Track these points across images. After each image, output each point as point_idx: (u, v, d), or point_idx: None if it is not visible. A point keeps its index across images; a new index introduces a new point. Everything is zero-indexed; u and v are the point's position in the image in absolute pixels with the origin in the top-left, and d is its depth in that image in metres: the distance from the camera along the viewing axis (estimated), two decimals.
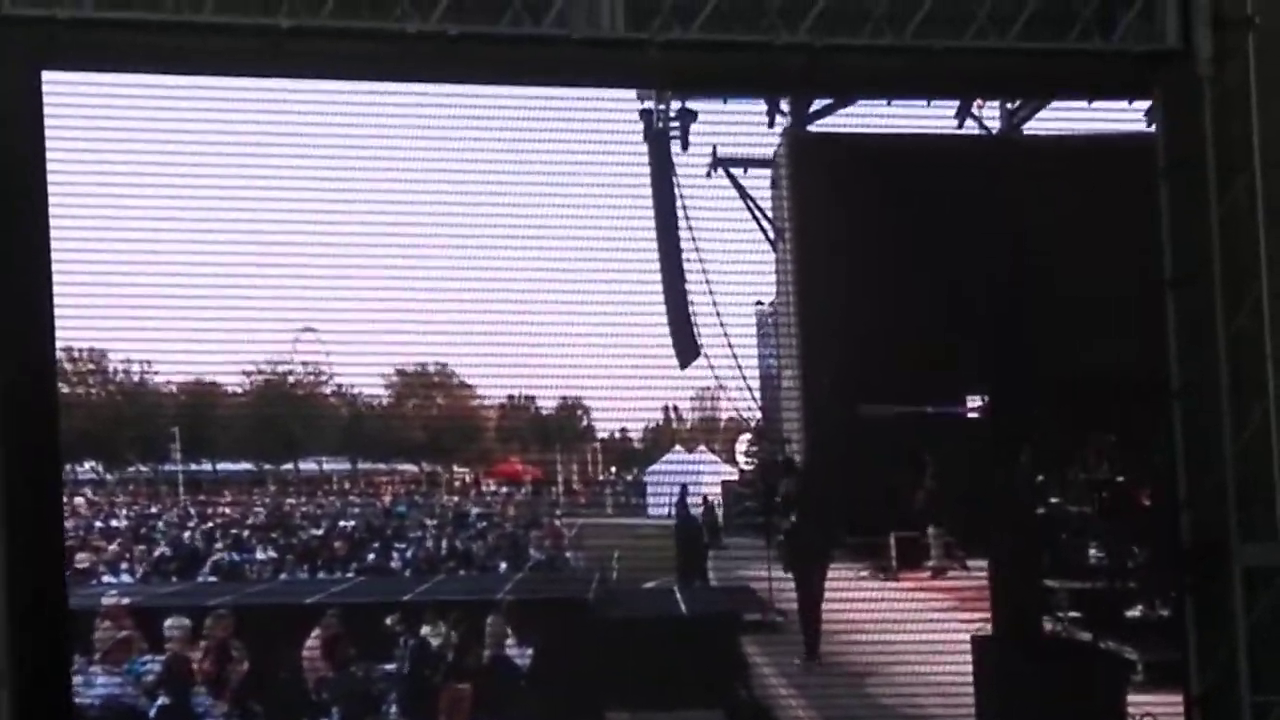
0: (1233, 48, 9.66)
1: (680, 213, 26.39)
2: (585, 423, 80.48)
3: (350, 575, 25.38)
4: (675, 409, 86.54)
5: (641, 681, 15.71)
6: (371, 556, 28.78)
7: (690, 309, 28.49)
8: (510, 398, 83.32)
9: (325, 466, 77.43)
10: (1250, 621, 7.54)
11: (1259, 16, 9.42)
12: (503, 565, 27.45)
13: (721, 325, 30.30)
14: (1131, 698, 10.31)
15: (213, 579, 26.13)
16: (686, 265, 28.50)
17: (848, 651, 14.28)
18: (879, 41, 10.54)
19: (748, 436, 35.22)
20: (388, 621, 16.29)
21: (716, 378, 30.60)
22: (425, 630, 16.15)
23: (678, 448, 53.13)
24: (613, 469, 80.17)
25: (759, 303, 35.96)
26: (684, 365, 27.76)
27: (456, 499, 59.29)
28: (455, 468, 77.43)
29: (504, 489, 66.12)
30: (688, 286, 28.62)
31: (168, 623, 15.10)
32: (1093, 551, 15.81)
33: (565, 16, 10.10)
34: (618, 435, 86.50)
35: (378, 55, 10.42)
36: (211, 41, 9.97)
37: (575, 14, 10.15)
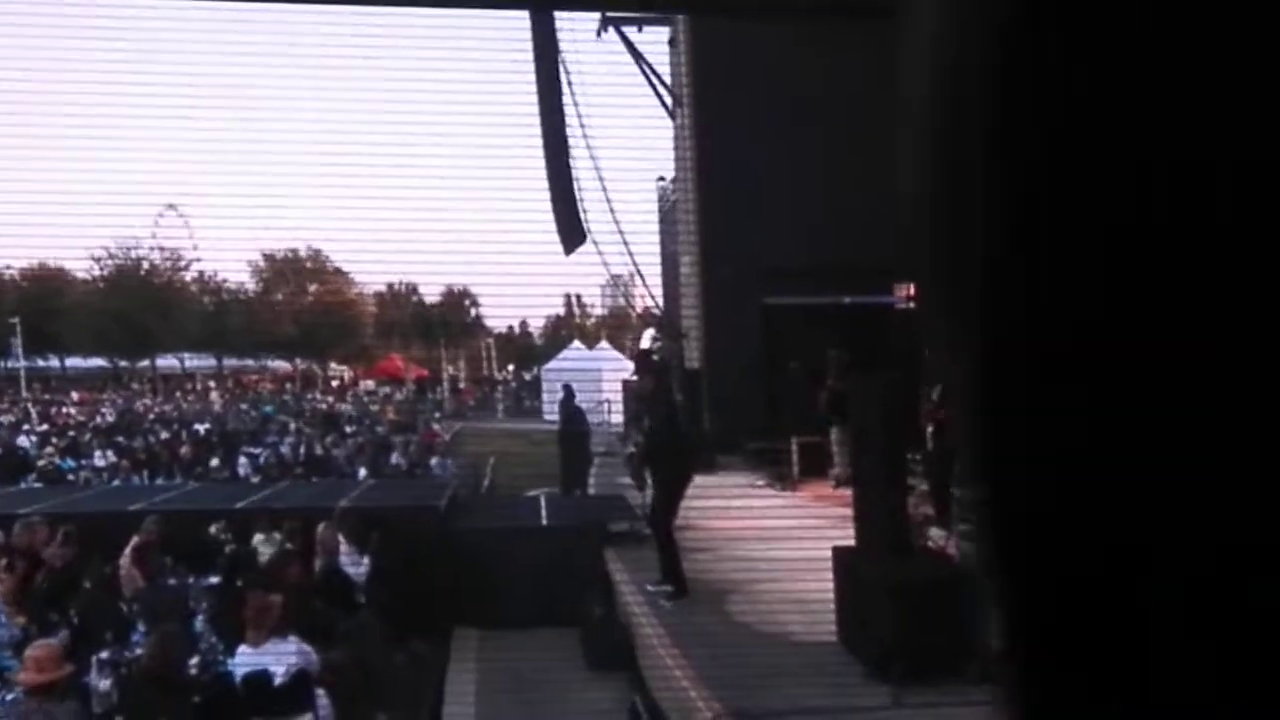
0: None
1: (564, 81, 25.58)
2: (474, 314, 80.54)
3: (187, 482, 24.55)
4: (578, 299, 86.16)
5: (491, 597, 15.17)
6: (214, 462, 27.47)
7: (575, 188, 27.73)
8: (390, 286, 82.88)
9: (187, 363, 76.54)
10: None
11: None
12: (362, 472, 26.59)
13: (610, 206, 29.63)
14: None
15: (37, 485, 24.74)
16: (571, 139, 27.74)
17: (715, 569, 13.79)
18: None
19: (651, 331, 34.67)
20: (211, 530, 15.54)
21: (606, 265, 30.03)
22: (257, 539, 15.38)
23: (577, 343, 52.86)
24: (509, 367, 79.81)
25: (660, 179, 35.24)
26: (569, 250, 27.18)
27: (331, 399, 59.06)
28: (333, 365, 76.79)
29: (385, 389, 65.99)
30: (572, 163, 27.85)
31: None
32: None
33: None
34: (512, 329, 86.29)
35: None
36: None
37: None
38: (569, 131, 26.33)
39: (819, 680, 9.37)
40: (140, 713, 9.14)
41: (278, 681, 10.16)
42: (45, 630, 11.45)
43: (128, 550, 14.18)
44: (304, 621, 12.11)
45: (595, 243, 27.33)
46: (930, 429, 15.73)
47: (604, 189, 25.93)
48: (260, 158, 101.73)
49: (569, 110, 25.86)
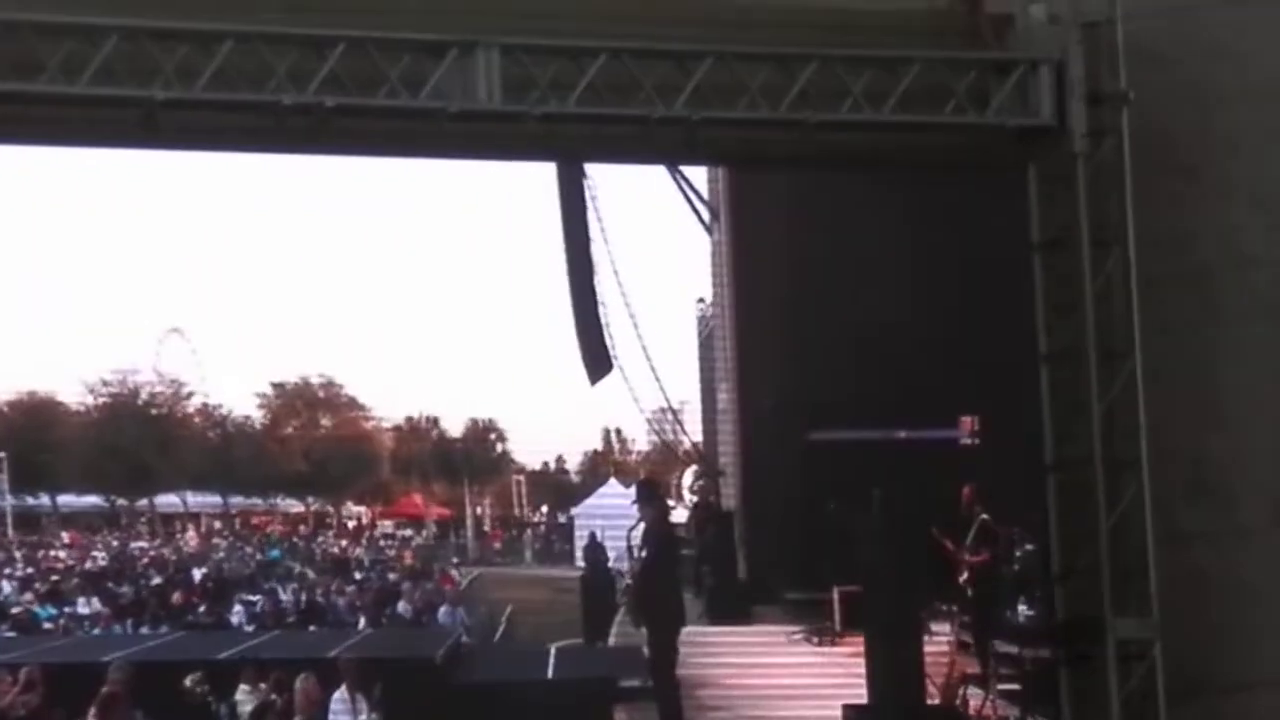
0: (1108, 124, 10.17)
1: (590, 197, 25.88)
2: (500, 450, 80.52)
3: (169, 631, 24.82)
4: (618, 433, 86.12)
5: None
6: (202, 609, 27.83)
7: (600, 313, 27.80)
8: (409, 419, 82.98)
9: (190, 501, 76.82)
10: (1124, 695, 7.57)
11: (1133, 92, 9.88)
12: (362, 621, 26.83)
13: (637, 329, 29.50)
14: None
15: (10, 635, 25.10)
16: (597, 259, 27.82)
17: None
18: (754, 115, 11.23)
19: (694, 468, 34.66)
20: (187, 683, 15.75)
21: (636, 398, 30.02)
22: (241, 691, 15.65)
23: (613, 481, 53.07)
24: (542, 507, 79.69)
25: (700, 300, 35.31)
26: (594, 380, 27.46)
27: (345, 543, 59.34)
28: (349, 505, 76.89)
29: (405, 532, 66.19)
30: (597, 286, 27.90)
31: None
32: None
33: (442, 89, 10.74)
34: (547, 466, 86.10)
35: (255, 128, 11.06)
36: (89, 113, 10.76)
37: (451, 86, 10.77)
38: (595, 252, 26.63)
39: None
40: None
41: None
42: None
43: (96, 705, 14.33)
44: None
45: (622, 371, 27.58)
46: (965, 575, 15.83)
47: (630, 312, 26.23)
48: (271, 279, 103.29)
49: (596, 228, 26.20)
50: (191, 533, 69.25)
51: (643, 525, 14.46)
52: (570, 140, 12.34)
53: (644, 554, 14.17)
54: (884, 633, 10.21)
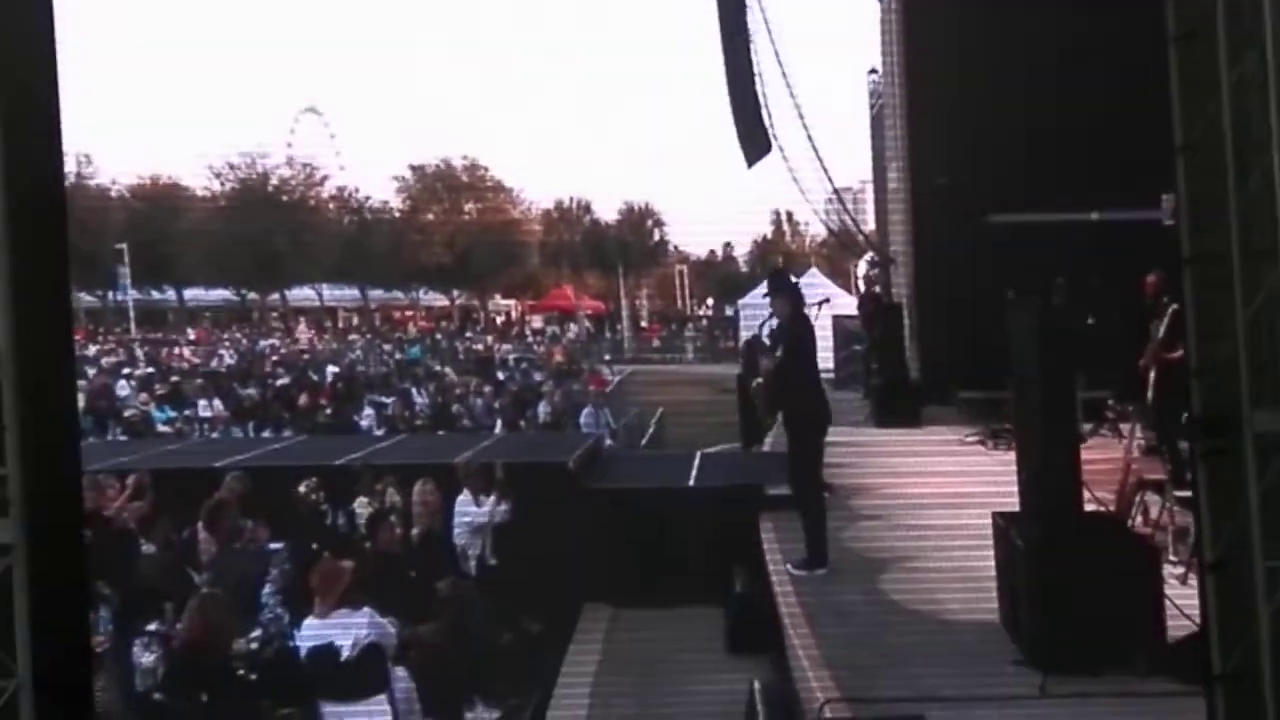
0: None
1: None
2: (658, 236, 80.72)
3: (291, 435, 25.46)
4: (789, 216, 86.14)
5: (626, 569, 15.69)
6: (328, 411, 28.56)
7: (758, 88, 27.71)
8: (559, 204, 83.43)
9: (326, 295, 77.95)
10: (1261, 488, 7.67)
11: None
12: (498, 425, 27.42)
13: (797, 107, 29.37)
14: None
15: (122, 438, 25.91)
16: (753, 26, 27.63)
17: (882, 538, 14.15)
18: None
19: (869, 257, 34.60)
20: (301, 489, 16.21)
21: (796, 179, 29.99)
22: (360, 501, 16.15)
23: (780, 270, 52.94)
24: (708, 300, 79.92)
25: (872, 72, 35.04)
26: (751, 162, 27.42)
27: (491, 339, 60.07)
28: (497, 299, 77.73)
29: (553, 328, 66.80)
30: (755, 58, 27.77)
31: None
32: None
33: None
34: (714, 254, 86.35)
35: None
36: None
37: None
38: (751, 19, 26.45)
39: (958, 665, 9.73)
40: (178, 688, 9.83)
41: (344, 657, 10.82)
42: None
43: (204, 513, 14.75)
44: (391, 591, 12.79)
45: (782, 151, 27.50)
46: (1153, 374, 15.82)
47: (789, 86, 26.07)
48: (410, 52, 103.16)
49: None
50: (303, 327, 69.64)
51: (775, 320, 14.69)
52: None
53: (778, 351, 14.42)
54: (1036, 433, 10.32)
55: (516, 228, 75.91)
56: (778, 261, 66.00)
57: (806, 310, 14.43)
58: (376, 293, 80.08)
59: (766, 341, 14.52)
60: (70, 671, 6.99)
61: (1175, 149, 8.62)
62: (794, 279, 16.79)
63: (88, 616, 8.11)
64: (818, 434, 13.96)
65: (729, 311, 67.91)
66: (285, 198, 74.35)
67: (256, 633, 11.46)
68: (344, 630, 10.97)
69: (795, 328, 13.96)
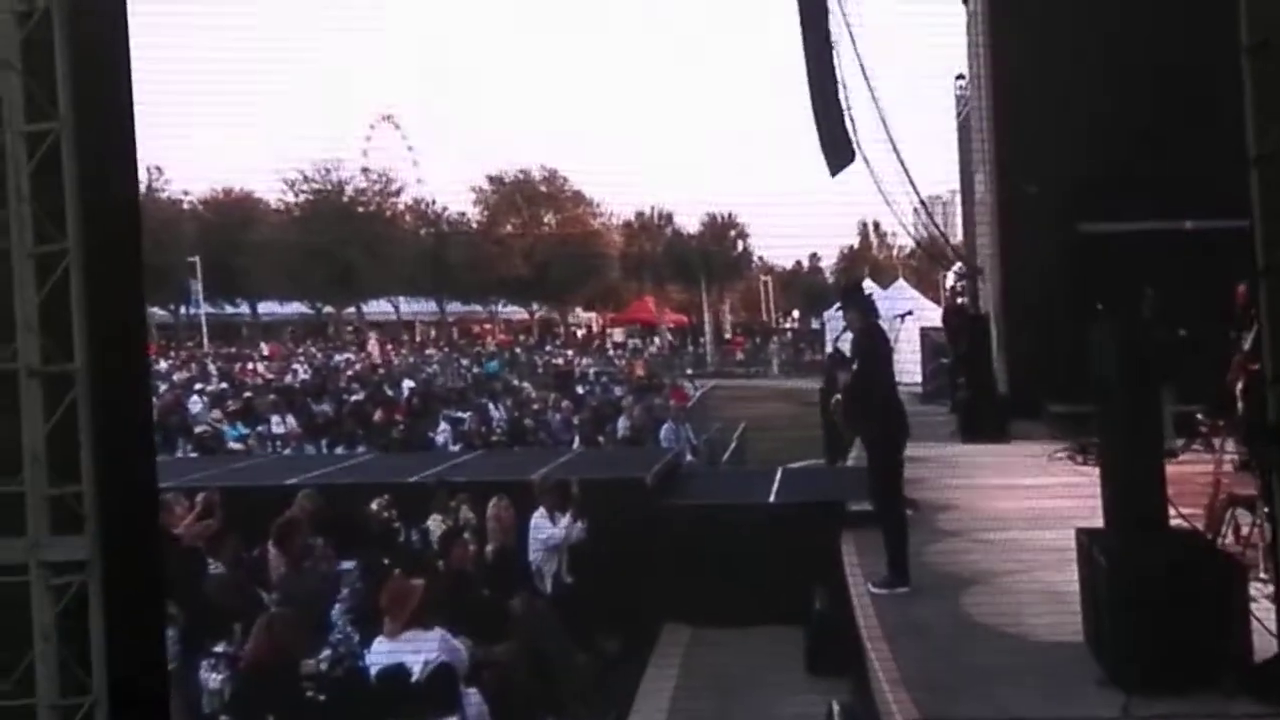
0: None
1: None
2: (741, 247, 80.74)
3: (365, 452, 25.66)
4: (876, 227, 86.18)
5: (705, 588, 15.82)
6: (402, 427, 28.83)
7: (841, 95, 27.77)
8: (640, 215, 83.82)
9: (403, 309, 78.39)
10: None
11: None
12: (576, 440, 27.60)
13: (881, 115, 29.39)
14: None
15: (193, 455, 26.21)
16: (836, 33, 27.68)
17: (967, 556, 14.17)
18: None
19: (957, 268, 34.54)
20: (373, 507, 16.38)
21: (881, 189, 30.01)
22: (433, 519, 16.30)
23: (869, 282, 53.00)
24: (794, 312, 79.90)
25: (959, 77, 35.00)
26: (834, 170, 27.48)
27: (571, 353, 60.31)
28: (577, 311, 77.88)
29: (635, 341, 66.92)
30: (838, 64, 27.85)
31: None
32: None
33: None
34: (800, 265, 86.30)
35: None
36: None
37: None
38: (833, 25, 26.51)
39: (1041, 686, 9.75)
40: (245, 711, 9.97)
41: (415, 678, 10.94)
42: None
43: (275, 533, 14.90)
44: (463, 611, 12.92)
45: (867, 161, 27.49)
46: (1241, 385, 15.74)
47: (872, 92, 26.08)
48: (489, 61, 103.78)
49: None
50: (373, 343, 70.05)
51: (849, 334, 14.75)
52: None
53: (854, 365, 14.46)
54: (1121, 447, 10.31)
55: (597, 239, 75.90)
56: (861, 273, 65.99)
57: (881, 323, 14.46)
58: (454, 306, 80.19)
59: (846, 355, 14.55)
60: (145, 688, 7.13)
61: (1250, 160, 8.67)
62: (871, 291, 16.82)
63: (163, 633, 8.25)
64: (895, 449, 13.98)
65: (815, 324, 67.90)
66: (361, 209, 74.49)
67: (326, 653, 11.58)
68: (414, 650, 11.08)
69: (868, 341, 13.99)
